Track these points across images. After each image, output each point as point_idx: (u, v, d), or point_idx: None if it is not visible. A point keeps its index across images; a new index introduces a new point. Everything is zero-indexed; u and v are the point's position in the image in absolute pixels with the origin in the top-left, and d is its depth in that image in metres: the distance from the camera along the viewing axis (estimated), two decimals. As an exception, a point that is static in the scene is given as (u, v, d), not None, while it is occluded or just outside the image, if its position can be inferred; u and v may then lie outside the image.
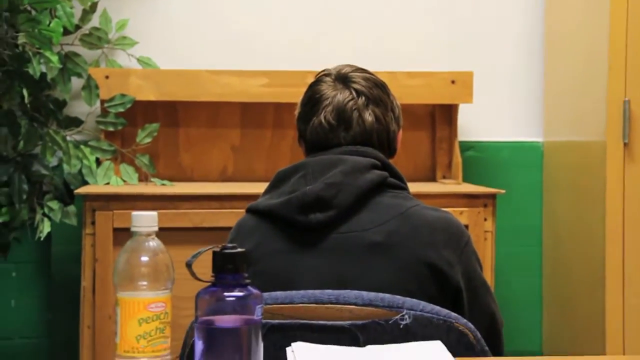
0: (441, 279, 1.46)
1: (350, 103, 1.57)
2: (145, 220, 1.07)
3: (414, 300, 1.35)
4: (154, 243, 1.07)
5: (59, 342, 2.75)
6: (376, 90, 1.60)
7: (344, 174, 1.49)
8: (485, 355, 1.34)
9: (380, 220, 1.48)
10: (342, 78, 1.60)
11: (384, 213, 1.49)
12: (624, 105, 2.46)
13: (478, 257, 1.54)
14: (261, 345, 1.09)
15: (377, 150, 1.57)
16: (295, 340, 1.27)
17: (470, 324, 1.35)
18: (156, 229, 1.08)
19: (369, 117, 1.57)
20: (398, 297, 1.35)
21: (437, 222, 1.49)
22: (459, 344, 1.32)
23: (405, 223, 1.48)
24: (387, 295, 1.35)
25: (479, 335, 1.35)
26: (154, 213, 1.08)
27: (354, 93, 1.58)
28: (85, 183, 2.66)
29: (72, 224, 2.63)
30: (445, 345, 1.25)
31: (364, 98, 1.58)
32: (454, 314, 1.35)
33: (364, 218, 1.48)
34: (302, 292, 1.37)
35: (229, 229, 2.44)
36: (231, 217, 2.43)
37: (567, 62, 2.80)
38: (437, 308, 1.35)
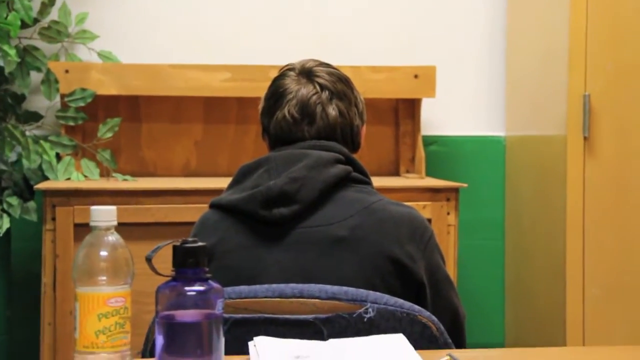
0: (404, 273, 1.47)
1: (314, 97, 1.57)
2: (104, 214, 1.06)
3: (378, 293, 1.35)
4: (113, 238, 1.06)
5: (18, 340, 2.71)
6: (340, 85, 1.59)
7: (308, 168, 1.49)
8: (448, 347, 1.35)
9: (344, 215, 1.48)
10: (306, 72, 1.59)
11: (348, 207, 1.49)
12: (584, 100, 2.49)
13: (441, 252, 1.55)
14: (222, 339, 1.09)
15: (340, 145, 1.57)
16: (258, 335, 1.26)
17: (433, 317, 1.36)
18: (115, 223, 1.07)
19: (332, 111, 1.57)
20: (362, 290, 1.35)
21: (400, 217, 1.50)
22: (422, 337, 1.32)
23: (369, 217, 1.48)
24: (350, 289, 1.35)
25: (442, 327, 1.35)
26: (113, 207, 1.07)
27: (317, 87, 1.58)
28: (46, 178, 2.63)
29: (32, 219, 2.59)
30: (409, 338, 1.26)
31: (327, 92, 1.57)
32: (417, 307, 1.36)
33: (328, 212, 1.48)
34: (265, 286, 1.37)
35: (192, 224, 2.42)
36: (194, 212, 2.41)
37: (528, 56, 2.82)
38: (401, 301, 1.35)
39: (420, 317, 1.34)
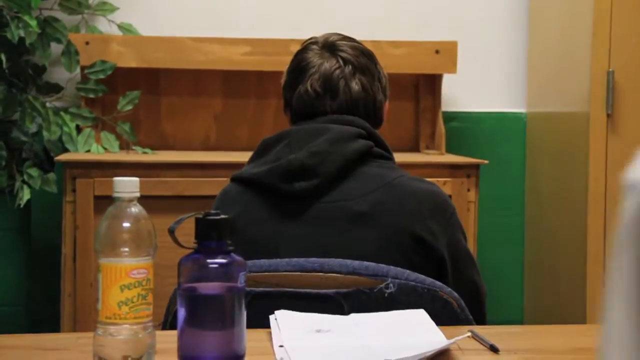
0: (425, 249, 1.46)
1: (337, 71, 1.56)
2: (127, 185, 1.05)
3: (399, 269, 1.35)
4: (136, 209, 1.06)
5: (38, 311, 2.73)
6: (363, 59, 1.58)
7: (329, 143, 1.48)
8: (469, 323, 1.34)
9: (365, 190, 1.47)
10: (329, 46, 1.58)
11: (369, 183, 1.48)
12: (608, 76, 2.46)
13: (462, 229, 1.54)
14: (244, 312, 1.09)
15: (363, 120, 1.55)
16: (279, 308, 1.26)
17: (454, 293, 1.35)
18: (138, 194, 1.06)
19: (355, 85, 1.56)
20: (383, 265, 1.35)
21: (422, 193, 1.49)
22: (443, 312, 1.32)
23: (390, 193, 1.47)
24: (371, 264, 1.34)
25: (462, 303, 1.35)
26: (136, 179, 1.06)
27: (340, 61, 1.56)
28: (66, 150, 2.63)
29: (52, 191, 2.60)
30: (430, 314, 1.25)
31: (350, 67, 1.56)
32: (438, 283, 1.35)
33: (348, 187, 1.47)
34: (286, 260, 1.36)
35: (211, 197, 2.42)
36: (213, 185, 2.41)
37: (551, 32, 2.79)
38: (422, 277, 1.35)
39: (441, 293, 1.34)
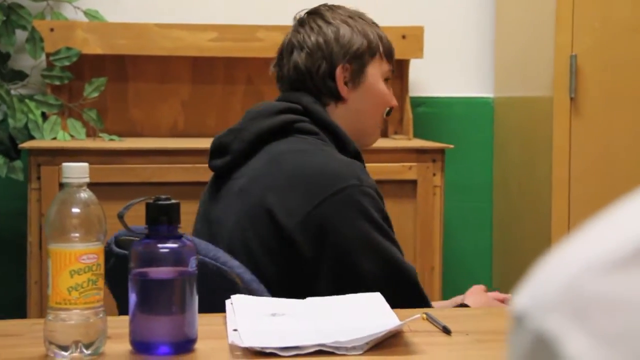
0: (274, 226, 1.38)
1: (284, 49, 1.57)
2: (76, 171, 1.05)
3: (218, 250, 1.36)
4: (85, 194, 1.06)
5: (6, 299, 2.72)
6: (307, 29, 1.56)
7: (247, 120, 1.51)
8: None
9: (256, 166, 1.46)
10: (300, 20, 1.61)
11: (264, 159, 1.46)
12: (571, 60, 2.48)
13: (366, 210, 1.38)
14: (196, 297, 1.09)
15: (306, 94, 1.52)
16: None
17: (244, 274, 1.33)
18: (87, 180, 1.06)
19: (294, 60, 1.54)
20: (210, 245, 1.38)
21: (304, 169, 1.41)
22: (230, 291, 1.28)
23: (268, 168, 1.44)
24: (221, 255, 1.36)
25: (253, 285, 1.32)
26: (85, 164, 1.06)
27: (291, 36, 1.57)
28: (32, 138, 2.62)
29: (18, 179, 2.59)
30: (217, 290, 1.26)
31: (296, 42, 1.56)
32: (232, 264, 1.34)
33: (252, 164, 1.47)
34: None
35: (178, 184, 2.42)
36: (180, 172, 2.41)
37: (517, 16, 2.80)
38: (223, 257, 1.35)
39: (229, 273, 1.33)
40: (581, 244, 0.43)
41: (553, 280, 0.43)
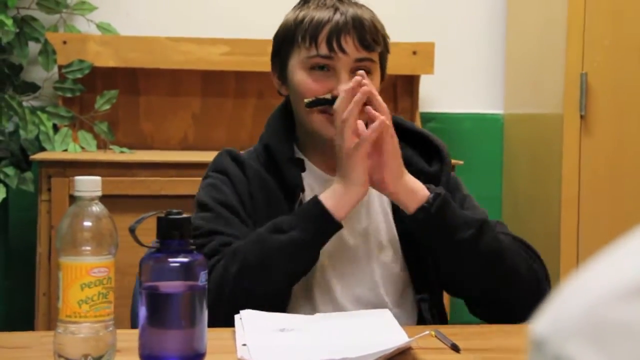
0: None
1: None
2: (88, 184, 1.06)
3: None
4: (97, 208, 1.06)
5: (15, 310, 2.73)
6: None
7: None
8: None
9: None
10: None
11: None
12: (581, 78, 2.48)
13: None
14: (205, 311, 1.09)
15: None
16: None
17: None
18: (99, 193, 1.07)
19: None
20: None
21: None
22: None
23: None
24: None
25: None
26: (97, 178, 1.07)
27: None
28: (43, 149, 2.63)
29: (29, 190, 2.60)
30: None
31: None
32: None
33: None
34: None
35: (188, 197, 2.42)
36: (190, 185, 2.41)
37: (528, 34, 2.81)
38: None
39: None
40: (600, 272, 0.43)
41: (572, 306, 0.43)
